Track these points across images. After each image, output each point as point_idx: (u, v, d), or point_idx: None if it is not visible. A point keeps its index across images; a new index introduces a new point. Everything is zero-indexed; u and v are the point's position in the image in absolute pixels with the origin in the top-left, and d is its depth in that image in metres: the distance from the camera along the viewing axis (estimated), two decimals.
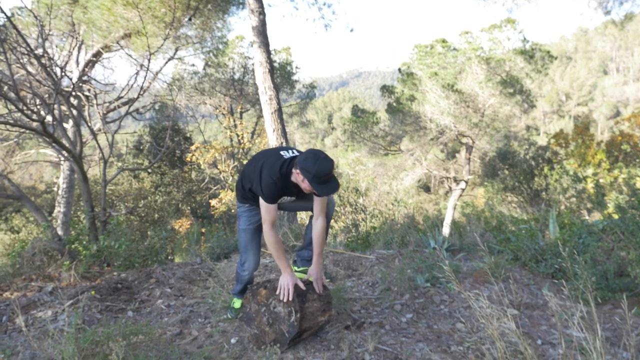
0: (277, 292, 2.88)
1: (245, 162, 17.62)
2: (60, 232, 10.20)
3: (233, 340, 3.09)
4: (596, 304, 3.60)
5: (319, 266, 3.06)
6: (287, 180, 2.90)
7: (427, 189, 31.84)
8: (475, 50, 15.46)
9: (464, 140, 16.68)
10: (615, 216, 4.43)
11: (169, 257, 7.49)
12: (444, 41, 16.67)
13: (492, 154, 18.73)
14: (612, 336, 3.09)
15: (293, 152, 3.00)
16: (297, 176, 2.84)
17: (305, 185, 2.81)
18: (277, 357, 2.70)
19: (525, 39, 15.17)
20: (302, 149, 3.19)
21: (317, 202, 3.08)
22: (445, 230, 12.26)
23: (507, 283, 3.84)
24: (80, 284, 4.28)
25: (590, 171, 12.11)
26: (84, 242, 5.05)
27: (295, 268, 3.24)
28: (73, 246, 4.95)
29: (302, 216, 10.83)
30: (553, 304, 2.24)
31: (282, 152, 2.99)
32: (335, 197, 12.67)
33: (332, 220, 12.13)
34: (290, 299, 2.82)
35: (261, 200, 2.91)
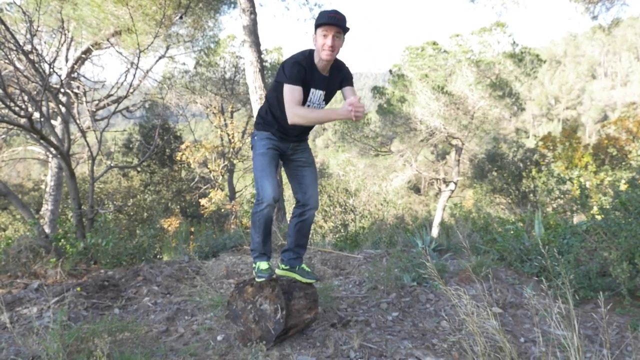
0: (353, 110, 2.56)
1: (235, 161, 17.61)
2: (47, 230, 10.11)
3: (219, 338, 3.10)
4: (579, 303, 3.67)
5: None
6: (311, 63, 2.83)
7: (417, 190, 31.99)
8: (465, 52, 15.58)
9: (454, 142, 16.80)
10: (599, 217, 4.50)
11: (157, 256, 7.46)
12: (434, 43, 16.78)
13: (482, 156, 18.90)
14: (592, 334, 3.16)
15: None
16: (314, 44, 2.82)
17: (318, 43, 2.76)
18: (262, 354, 2.71)
19: (514, 42, 15.32)
20: None
21: (349, 93, 2.95)
22: (435, 231, 12.34)
23: (492, 282, 3.89)
24: (66, 281, 4.26)
25: (576, 173, 12.26)
26: (71, 240, 5.02)
27: (283, 266, 3.23)
28: (60, 243, 4.92)
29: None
30: (534, 303, 2.28)
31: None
32: (325, 197, 12.69)
33: (322, 220, 12.15)
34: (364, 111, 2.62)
35: (285, 88, 2.76)
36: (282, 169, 3.34)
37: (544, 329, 3.18)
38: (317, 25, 2.75)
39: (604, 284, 3.77)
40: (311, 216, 3.16)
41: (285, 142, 3.07)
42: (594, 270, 3.80)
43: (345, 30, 2.77)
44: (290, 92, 2.74)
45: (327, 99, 3.03)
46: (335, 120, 2.88)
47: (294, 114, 2.73)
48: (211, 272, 4.81)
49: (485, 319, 2.38)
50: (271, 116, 3.02)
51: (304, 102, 2.86)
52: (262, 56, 9.56)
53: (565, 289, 2.25)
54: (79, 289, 3.86)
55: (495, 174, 17.68)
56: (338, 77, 2.97)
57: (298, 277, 3.16)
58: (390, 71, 18.18)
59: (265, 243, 3.06)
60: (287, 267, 3.21)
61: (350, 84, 2.99)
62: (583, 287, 3.78)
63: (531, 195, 16.21)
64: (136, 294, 4.14)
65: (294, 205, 3.25)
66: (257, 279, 2.99)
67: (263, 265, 3.02)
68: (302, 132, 3.10)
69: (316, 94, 2.92)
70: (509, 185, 17.03)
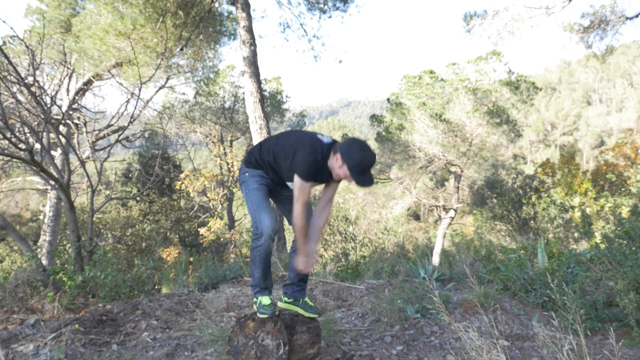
0: (296, 267, 2.88)
1: (235, 190, 17.58)
2: (45, 262, 10.01)
3: None
4: (586, 335, 3.59)
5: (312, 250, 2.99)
6: (324, 162, 2.83)
7: (416, 217, 31.89)
8: (462, 81, 15.80)
9: (453, 169, 16.85)
10: (602, 246, 4.46)
11: (156, 287, 7.36)
12: (431, 72, 17.03)
13: (481, 183, 18.92)
14: None
15: (329, 139, 2.92)
16: (334, 162, 2.78)
17: (341, 172, 2.75)
18: None
19: (510, 70, 15.58)
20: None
21: (331, 189, 3.03)
22: (435, 259, 12.24)
23: (496, 313, 3.82)
24: (63, 316, 4.18)
25: (577, 200, 12.25)
26: (69, 273, 4.95)
27: (286, 299, 3.17)
28: (57, 277, 4.85)
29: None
30: (542, 336, 2.23)
31: (319, 136, 2.92)
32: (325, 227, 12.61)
33: (322, 249, 12.06)
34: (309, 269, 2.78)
35: (296, 180, 2.79)
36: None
37: None
38: (348, 167, 2.70)
39: (612, 315, 3.70)
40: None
41: (275, 183, 3.11)
42: (601, 301, 3.74)
43: None
44: (301, 191, 2.79)
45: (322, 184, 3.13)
46: (302, 252, 2.92)
47: (298, 214, 2.80)
48: (211, 305, 4.73)
49: (494, 354, 2.32)
50: (269, 166, 3.03)
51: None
52: (262, 86, 9.67)
53: (574, 321, 2.20)
54: (77, 325, 3.78)
55: (495, 200, 17.66)
56: None
57: (301, 312, 3.10)
58: (388, 99, 18.38)
59: (265, 277, 3.02)
60: (291, 300, 3.15)
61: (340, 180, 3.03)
62: (590, 318, 3.71)
63: (532, 222, 16.15)
64: (135, 328, 4.06)
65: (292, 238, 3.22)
66: (259, 315, 2.94)
67: (265, 300, 2.97)
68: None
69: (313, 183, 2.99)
70: (509, 212, 16.99)
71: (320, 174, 2.86)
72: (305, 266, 2.91)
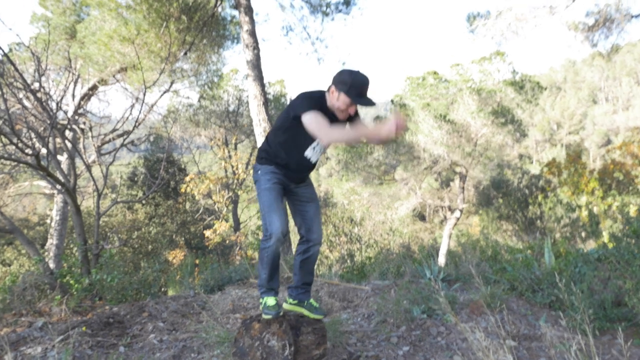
0: (396, 128, 2.47)
1: (240, 192, 17.62)
2: (52, 265, 10.06)
3: None
4: (595, 335, 3.56)
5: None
6: (324, 105, 2.78)
7: (422, 217, 31.77)
8: (466, 81, 15.77)
9: (458, 169, 16.81)
10: (610, 245, 4.43)
11: (162, 290, 7.38)
12: (435, 73, 17.00)
13: (486, 183, 18.87)
14: None
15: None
16: (332, 98, 2.75)
17: (340, 103, 2.70)
18: None
19: (514, 70, 15.54)
20: None
21: (356, 124, 2.92)
22: (441, 259, 12.22)
23: (503, 314, 3.80)
24: (71, 318, 4.20)
25: (584, 199, 12.16)
26: (76, 276, 4.98)
27: (291, 301, 3.17)
28: (65, 280, 4.87)
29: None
30: (550, 336, 2.22)
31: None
32: (330, 227, 12.62)
33: (328, 250, 12.05)
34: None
35: (305, 120, 2.63)
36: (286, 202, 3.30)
37: None
38: (346, 93, 2.67)
39: (620, 314, 3.67)
40: (315, 252, 3.12)
41: (288, 179, 3.03)
42: (609, 300, 3.71)
43: None
44: (315, 119, 2.62)
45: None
46: (372, 140, 2.70)
47: (330, 136, 2.61)
48: (217, 307, 4.74)
49: (501, 354, 2.31)
50: (279, 148, 2.97)
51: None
52: (266, 89, 9.69)
53: (582, 321, 2.18)
54: (84, 327, 3.80)
55: (500, 200, 17.59)
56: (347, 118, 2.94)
57: (306, 313, 3.10)
58: (392, 101, 18.37)
59: (272, 278, 2.99)
60: (296, 302, 3.15)
61: (358, 119, 2.97)
62: (598, 317, 3.68)
63: (538, 221, 16.07)
64: (141, 330, 4.07)
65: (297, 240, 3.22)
66: (263, 315, 2.94)
67: (270, 301, 2.96)
68: (305, 171, 3.08)
69: None
70: (515, 212, 16.92)
71: (325, 116, 2.72)
72: (395, 125, 2.50)
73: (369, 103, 2.70)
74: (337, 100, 2.73)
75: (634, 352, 3.23)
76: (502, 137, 15.25)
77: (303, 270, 3.14)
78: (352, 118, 2.95)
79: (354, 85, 2.66)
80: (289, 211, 3.29)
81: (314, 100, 2.73)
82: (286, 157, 2.93)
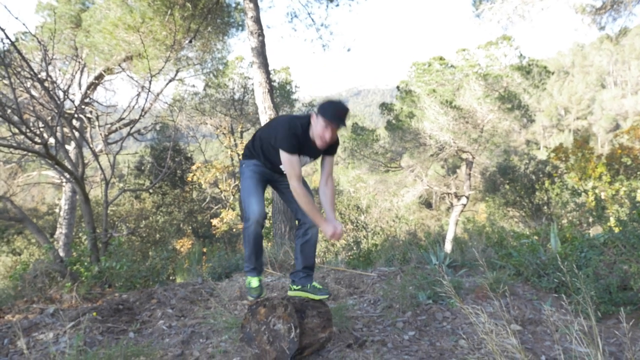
0: (329, 237, 2.96)
1: None
2: (62, 254, 10.19)
3: None
4: (600, 318, 3.58)
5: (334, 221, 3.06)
6: (306, 134, 3.01)
7: (428, 205, 31.77)
8: (472, 67, 15.61)
9: (464, 155, 16.73)
10: (617, 229, 4.43)
11: (171, 278, 7.46)
12: (441, 59, 16.85)
13: (493, 169, 18.77)
14: (616, 351, 3.08)
15: (307, 113, 3.12)
16: (314, 124, 2.97)
17: (318, 127, 2.91)
18: None
19: (521, 55, 15.34)
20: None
21: (327, 164, 3.20)
22: (447, 246, 12.22)
23: (508, 299, 3.82)
24: (81, 305, 4.28)
25: (590, 184, 12.08)
26: (86, 264, 5.05)
27: (294, 287, 3.23)
28: (74, 267, 4.95)
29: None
30: (554, 319, 2.24)
31: (297, 115, 3.20)
32: (336, 214, 12.64)
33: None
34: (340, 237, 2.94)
35: (283, 156, 2.95)
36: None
37: (565, 346, 3.11)
38: (323, 116, 2.90)
39: (625, 298, 3.69)
40: (314, 234, 3.24)
41: (271, 170, 3.27)
42: (614, 284, 3.72)
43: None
44: (290, 164, 2.94)
45: (313, 159, 3.26)
46: (318, 223, 3.01)
47: (295, 188, 2.94)
48: (225, 294, 4.79)
49: (505, 337, 2.33)
50: (261, 152, 3.21)
51: None
52: (271, 76, 9.66)
53: (586, 304, 2.20)
54: (94, 313, 3.87)
55: (507, 187, 17.51)
56: (326, 147, 3.12)
57: (311, 296, 3.15)
58: (398, 87, 18.25)
59: (257, 257, 3.23)
60: (299, 287, 3.21)
61: (333, 153, 3.22)
62: (604, 301, 3.70)
63: (545, 207, 16.01)
64: (150, 317, 4.14)
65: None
66: (248, 297, 3.25)
67: (254, 282, 3.26)
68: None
69: (303, 159, 3.13)
70: (522, 198, 16.86)
71: (305, 147, 3.03)
72: (333, 234, 2.95)
73: (342, 124, 2.91)
74: (318, 126, 2.94)
75: (638, 334, 3.25)
76: (508, 123, 15.13)
77: (304, 254, 3.26)
78: (328, 151, 3.17)
79: (334, 111, 2.90)
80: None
81: (297, 139, 2.96)
82: (266, 162, 3.23)
